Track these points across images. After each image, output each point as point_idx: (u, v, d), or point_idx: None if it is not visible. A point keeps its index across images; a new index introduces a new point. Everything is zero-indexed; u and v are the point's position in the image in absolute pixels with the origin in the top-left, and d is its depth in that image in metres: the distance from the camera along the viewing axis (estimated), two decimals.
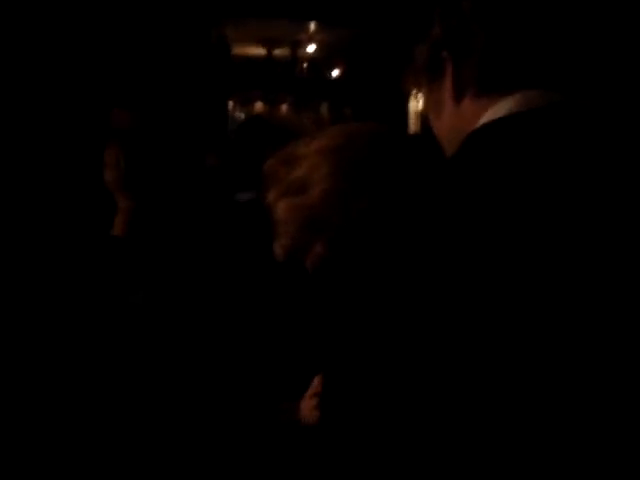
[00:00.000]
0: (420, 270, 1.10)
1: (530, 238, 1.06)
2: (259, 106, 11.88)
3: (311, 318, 1.90)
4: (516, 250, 1.05)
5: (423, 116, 9.93)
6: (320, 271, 1.76)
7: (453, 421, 1.05)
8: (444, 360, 1.05)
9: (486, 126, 1.25)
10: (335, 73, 12.81)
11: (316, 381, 1.82)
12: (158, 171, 2.78)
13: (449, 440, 1.05)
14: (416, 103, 9.79)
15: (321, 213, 1.72)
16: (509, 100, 1.25)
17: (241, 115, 10.64)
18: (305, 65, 12.29)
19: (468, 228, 1.09)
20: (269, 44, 11.22)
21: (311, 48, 11.26)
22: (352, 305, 1.18)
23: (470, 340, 1.04)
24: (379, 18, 8.40)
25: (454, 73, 1.32)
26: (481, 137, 1.24)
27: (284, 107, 12.92)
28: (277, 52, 11.58)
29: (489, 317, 1.04)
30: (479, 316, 1.04)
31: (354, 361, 1.16)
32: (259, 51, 11.43)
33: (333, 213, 1.69)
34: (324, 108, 13.33)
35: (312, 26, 9.99)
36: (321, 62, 12.26)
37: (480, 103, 1.29)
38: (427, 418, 1.06)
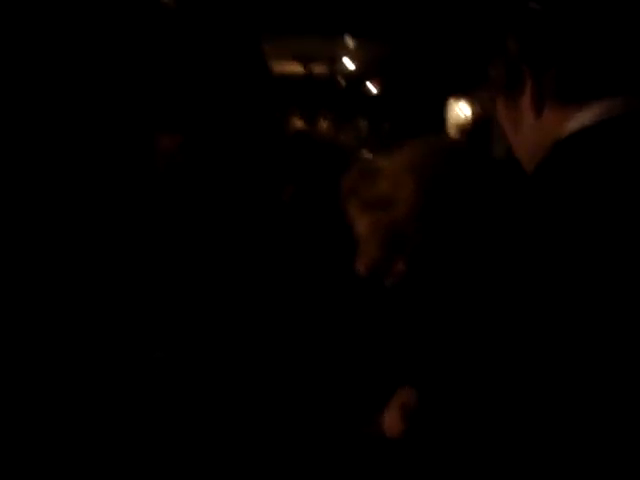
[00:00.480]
0: (512, 284, 1.10)
1: (628, 246, 1.05)
2: (298, 123, 11.93)
3: (390, 331, 1.88)
4: (615, 258, 1.05)
5: (464, 129, 9.89)
6: (400, 288, 1.75)
7: (557, 438, 1.03)
8: (544, 374, 1.04)
9: (573, 135, 1.24)
10: (373, 89, 12.82)
11: (399, 393, 1.80)
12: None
13: (553, 458, 1.03)
14: (456, 115, 9.77)
15: (405, 230, 1.70)
16: (592, 108, 1.25)
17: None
18: (343, 81, 12.32)
19: (564, 240, 1.09)
20: (306, 61, 11.26)
21: (349, 64, 11.28)
22: (443, 321, 1.16)
23: (570, 362, 1.03)
24: (416, 33, 8.40)
25: (534, 86, 1.32)
26: (569, 146, 1.24)
27: (323, 123, 12.96)
28: (315, 69, 11.63)
29: (588, 338, 1.02)
30: (578, 338, 1.02)
31: (451, 374, 1.15)
32: (296, 68, 11.48)
33: (416, 230, 1.68)
34: (363, 124, 13.35)
35: (350, 42, 10.01)
36: (359, 78, 12.29)
37: (561, 114, 1.29)
38: (534, 428, 1.05)
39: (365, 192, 1.78)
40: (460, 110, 9.68)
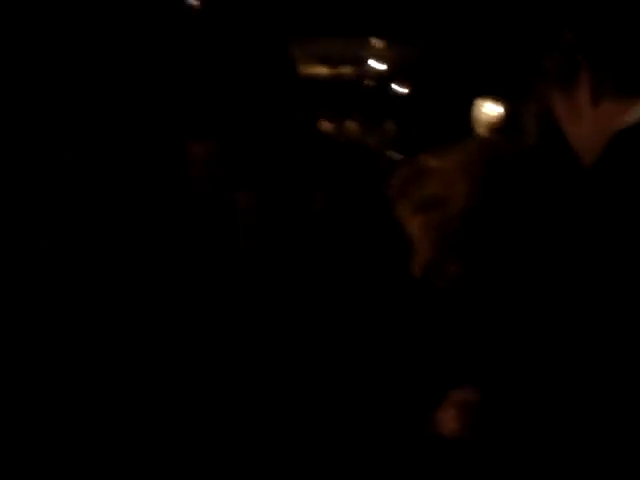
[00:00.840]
0: (573, 283, 1.10)
1: None
2: (325, 124, 11.93)
3: (446, 331, 1.88)
4: None
5: (492, 129, 9.84)
6: (455, 289, 1.74)
7: None
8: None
9: (630, 128, 1.24)
10: (401, 90, 12.80)
11: (455, 392, 1.79)
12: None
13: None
14: (484, 115, 9.71)
15: (458, 229, 1.70)
16: None
17: None
18: (370, 82, 12.31)
19: (629, 232, 1.09)
20: (334, 63, 11.27)
21: (376, 65, 11.27)
22: (502, 322, 1.16)
23: None
24: (443, 35, 8.38)
25: (592, 78, 1.31)
26: (631, 137, 1.23)
27: (351, 124, 12.94)
28: (342, 70, 11.63)
29: None
30: None
31: (517, 373, 1.15)
32: (324, 70, 11.49)
33: (470, 230, 1.67)
34: (390, 125, 13.32)
35: (377, 43, 10.00)
36: (386, 79, 12.27)
37: (620, 105, 1.28)
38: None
39: (416, 193, 1.76)
40: (488, 110, 9.64)
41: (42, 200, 3.70)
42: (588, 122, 1.33)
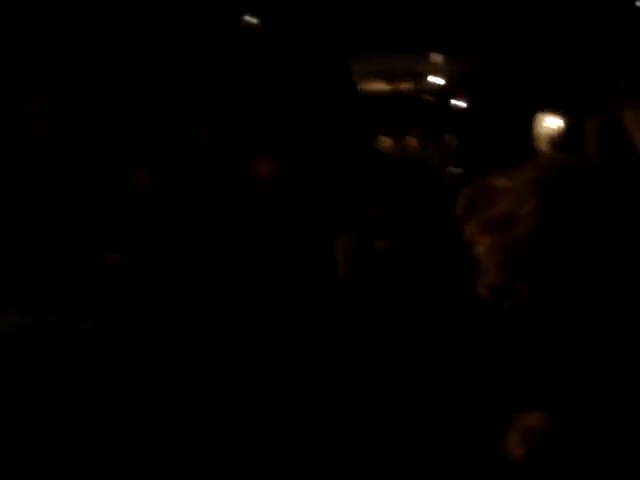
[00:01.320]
0: None
1: None
2: (385, 140, 11.92)
3: (512, 354, 1.86)
4: None
5: (552, 143, 9.75)
6: (521, 312, 1.72)
7: None
8: None
9: None
10: (460, 104, 12.75)
11: (522, 416, 1.77)
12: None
13: None
14: (545, 129, 9.62)
15: (527, 251, 1.66)
16: None
17: None
18: (430, 97, 12.29)
19: None
20: (393, 78, 11.28)
21: (436, 80, 11.25)
22: (571, 346, 1.14)
23: None
24: (504, 48, 8.33)
25: None
26: None
27: (410, 140, 12.91)
28: (401, 86, 11.63)
29: None
30: None
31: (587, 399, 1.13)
32: (383, 86, 11.50)
33: (539, 252, 1.65)
34: (450, 139, 13.26)
35: (436, 58, 9.99)
36: (446, 94, 12.24)
37: None
38: None
39: (484, 212, 1.73)
40: (548, 124, 9.55)
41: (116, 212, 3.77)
42: None
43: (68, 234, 3.58)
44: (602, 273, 1.21)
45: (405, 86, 11.64)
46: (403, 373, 2.16)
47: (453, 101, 12.74)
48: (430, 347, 2.08)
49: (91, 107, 5.15)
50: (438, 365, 1.98)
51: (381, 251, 2.95)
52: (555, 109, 9.33)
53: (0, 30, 5.03)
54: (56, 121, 4.04)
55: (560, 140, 9.43)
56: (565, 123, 9.31)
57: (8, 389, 2.43)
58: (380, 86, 11.43)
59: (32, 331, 2.68)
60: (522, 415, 1.76)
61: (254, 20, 7.19)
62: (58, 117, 4.06)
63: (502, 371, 1.86)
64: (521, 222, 1.62)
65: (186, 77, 5.94)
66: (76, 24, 5.39)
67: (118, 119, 5.43)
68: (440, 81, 11.25)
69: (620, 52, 1.34)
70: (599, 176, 1.71)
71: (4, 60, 4.97)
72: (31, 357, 2.58)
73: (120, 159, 4.12)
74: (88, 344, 2.58)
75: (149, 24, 5.74)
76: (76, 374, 2.33)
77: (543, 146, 9.59)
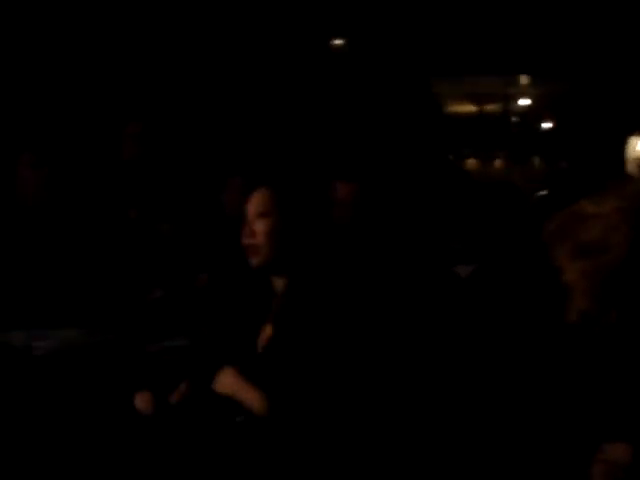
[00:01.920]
0: None
1: None
2: (472, 162, 11.89)
3: (597, 382, 1.85)
4: None
5: None
6: (613, 338, 1.70)
7: None
8: None
9: None
10: (547, 126, 12.62)
11: (606, 448, 1.75)
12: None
13: None
14: (633, 151, 9.46)
15: (617, 278, 1.63)
16: None
17: None
18: (516, 119, 12.21)
19: None
20: (480, 100, 11.25)
21: (522, 102, 11.18)
22: None
23: None
24: (590, 70, 8.25)
25: None
26: None
27: (497, 162, 12.82)
28: (488, 108, 11.58)
29: None
30: None
31: None
32: (470, 108, 11.48)
33: (629, 279, 1.62)
34: (537, 161, 13.12)
35: (523, 80, 9.94)
36: (532, 115, 12.14)
37: None
38: None
39: (576, 238, 1.71)
40: (639, 147, 9.40)
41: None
42: None
43: (158, 255, 3.70)
44: None
45: (492, 108, 11.59)
46: (487, 403, 2.16)
47: (541, 123, 12.64)
48: (519, 373, 2.07)
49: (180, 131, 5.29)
50: (527, 392, 1.98)
51: (463, 277, 2.94)
52: None
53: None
54: (151, 143, 4.17)
55: None
56: None
57: (68, 405, 2.50)
58: (468, 108, 11.41)
59: (94, 348, 2.74)
60: (607, 447, 1.73)
61: (341, 41, 7.28)
62: (153, 139, 4.19)
63: (589, 399, 1.85)
64: (612, 249, 1.62)
65: (271, 99, 6.05)
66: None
67: (204, 141, 5.56)
68: (526, 102, 11.17)
69: None
70: None
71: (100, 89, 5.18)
72: (94, 373, 2.65)
73: (212, 182, 4.21)
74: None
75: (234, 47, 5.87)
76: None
77: (633, 169, 9.43)
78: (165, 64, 5.53)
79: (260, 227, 2.11)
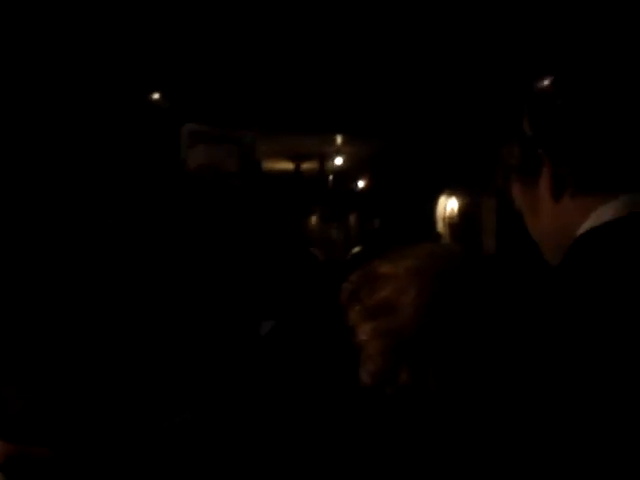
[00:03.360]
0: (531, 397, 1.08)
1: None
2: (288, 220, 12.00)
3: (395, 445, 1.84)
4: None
5: (451, 224, 10.01)
6: (403, 400, 1.70)
7: None
8: None
9: (593, 231, 1.20)
10: (362, 184, 12.97)
11: None
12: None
13: None
14: (443, 210, 9.89)
15: (409, 337, 1.63)
16: (615, 203, 1.21)
17: None
18: (332, 177, 12.46)
19: (584, 341, 1.06)
20: (298, 158, 11.41)
21: (338, 161, 11.42)
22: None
23: None
24: (404, 130, 8.56)
25: (551, 172, 1.27)
26: (589, 243, 1.20)
27: (313, 219, 13.03)
28: (305, 166, 11.77)
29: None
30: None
31: None
32: (288, 165, 11.62)
33: (420, 340, 1.61)
34: (352, 219, 13.45)
35: (339, 139, 10.17)
36: (348, 174, 12.43)
37: (582, 203, 1.25)
38: None
39: (368, 298, 1.74)
40: (448, 206, 9.83)
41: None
42: (549, 217, 1.30)
43: None
44: (486, 359, 1.23)
45: (309, 166, 11.79)
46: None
47: (355, 181, 12.97)
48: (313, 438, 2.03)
49: None
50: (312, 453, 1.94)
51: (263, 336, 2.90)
52: (454, 191, 9.60)
53: None
54: None
55: (455, 221, 9.68)
56: (462, 204, 9.59)
57: None
58: (284, 166, 11.56)
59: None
60: None
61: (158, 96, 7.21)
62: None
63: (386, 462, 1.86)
64: (402, 307, 1.63)
65: None
66: None
67: None
68: (342, 161, 11.43)
69: (506, 128, 1.33)
70: (481, 266, 1.74)
71: None
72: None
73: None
74: None
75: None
76: None
77: (441, 227, 9.81)
78: None
79: None
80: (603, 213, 1.21)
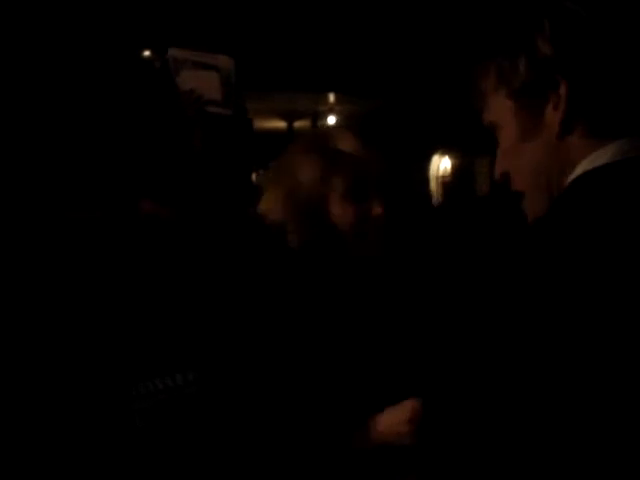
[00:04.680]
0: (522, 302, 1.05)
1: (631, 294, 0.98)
2: None
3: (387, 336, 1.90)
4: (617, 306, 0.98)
5: (444, 182, 10.02)
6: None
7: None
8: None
9: (590, 173, 1.12)
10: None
11: (408, 405, 1.78)
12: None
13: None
14: (436, 169, 9.91)
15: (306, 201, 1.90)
16: (615, 146, 1.13)
17: None
18: None
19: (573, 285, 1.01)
20: (290, 117, 11.39)
21: (331, 119, 11.41)
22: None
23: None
24: (395, 89, 8.54)
25: (567, 103, 1.14)
26: (584, 187, 1.12)
27: None
28: (297, 124, 11.75)
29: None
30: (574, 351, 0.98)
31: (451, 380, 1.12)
32: (280, 124, 11.60)
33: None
34: None
35: (332, 98, 10.15)
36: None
37: (589, 144, 1.15)
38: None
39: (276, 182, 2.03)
40: (441, 165, 9.85)
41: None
42: (546, 148, 1.18)
43: None
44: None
45: (301, 124, 11.77)
46: None
47: None
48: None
49: None
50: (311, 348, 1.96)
51: None
52: (447, 150, 9.61)
53: None
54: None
55: (449, 179, 9.70)
56: (455, 164, 9.62)
57: None
58: (277, 124, 11.53)
59: None
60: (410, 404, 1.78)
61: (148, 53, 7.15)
62: None
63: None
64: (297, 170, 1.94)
65: None
66: None
67: None
68: (335, 120, 11.42)
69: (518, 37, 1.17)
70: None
71: None
72: None
73: None
74: None
75: None
76: None
77: (433, 187, 9.84)
78: None
79: None
80: (600, 155, 1.13)
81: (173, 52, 2.80)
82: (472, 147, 8.26)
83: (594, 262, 1.00)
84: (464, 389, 1.09)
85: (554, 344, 0.99)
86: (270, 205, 1.98)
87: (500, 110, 1.24)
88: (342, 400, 1.85)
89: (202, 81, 2.73)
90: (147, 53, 7.16)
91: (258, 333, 1.91)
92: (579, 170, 1.14)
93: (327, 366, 1.87)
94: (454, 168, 9.28)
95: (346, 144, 2.01)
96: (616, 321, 0.97)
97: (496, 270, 1.13)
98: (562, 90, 1.14)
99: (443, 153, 9.48)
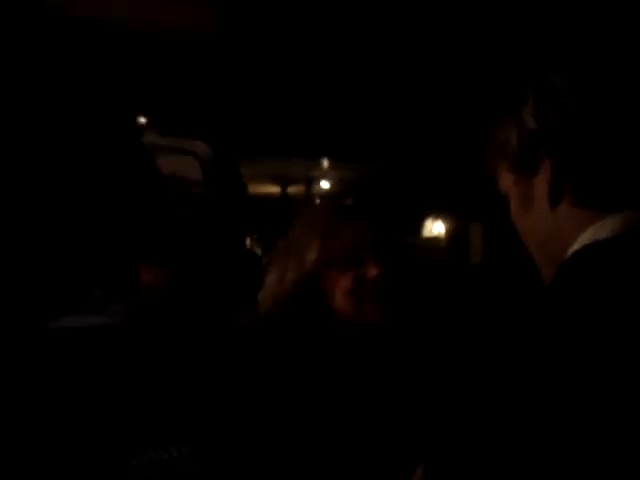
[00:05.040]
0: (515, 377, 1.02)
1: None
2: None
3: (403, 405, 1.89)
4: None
5: (439, 245, 10.05)
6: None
7: None
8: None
9: (588, 248, 1.11)
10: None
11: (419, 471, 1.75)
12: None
13: None
14: (430, 228, 9.94)
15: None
16: (614, 218, 1.11)
17: (259, 251, 10.80)
18: (318, 201, 12.48)
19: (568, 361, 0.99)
20: (284, 182, 11.46)
21: (324, 184, 11.48)
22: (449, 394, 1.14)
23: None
24: (389, 154, 8.60)
25: (553, 176, 1.15)
26: (585, 261, 1.10)
27: None
28: (291, 189, 11.81)
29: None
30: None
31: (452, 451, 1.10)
32: (274, 189, 11.66)
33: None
34: None
35: (325, 163, 10.22)
36: (334, 198, 12.45)
37: (581, 213, 1.14)
38: None
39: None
40: (434, 229, 9.90)
41: None
42: (542, 219, 1.18)
43: None
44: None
45: (295, 190, 11.84)
46: None
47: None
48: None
49: None
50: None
51: None
52: (441, 214, 9.64)
53: None
54: None
55: (442, 243, 9.70)
56: (450, 228, 9.64)
57: None
58: (271, 189, 11.59)
59: None
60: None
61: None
62: None
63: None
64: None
65: None
66: None
67: None
68: (329, 185, 11.49)
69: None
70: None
71: None
72: None
73: None
74: None
75: None
76: None
77: (427, 247, 9.78)
78: None
79: None
80: (601, 229, 1.11)
81: (147, 139, 2.84)
82: (466, 212, 8.30)
83: (589, 341, 0.99)
84: (463, 459, 1.08)
85: (550, 419, 0.98)
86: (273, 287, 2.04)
87: (504, 182, 1.25)
88: (345, 471, 1.84)
89: (182, 165, 2.79)
90: (142, 120, 7.24)
91: (254, 408, 1.91)
92: (577, 245, 1.13)
93: (326, 438, 1.86)
94: (448, 232, 9.32)
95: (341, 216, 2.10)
96: (615, 401, 0.96)
97: (490, 341, 1.12)
98: (547, 163, 1.15)
99: (435, 218, 9.53)
